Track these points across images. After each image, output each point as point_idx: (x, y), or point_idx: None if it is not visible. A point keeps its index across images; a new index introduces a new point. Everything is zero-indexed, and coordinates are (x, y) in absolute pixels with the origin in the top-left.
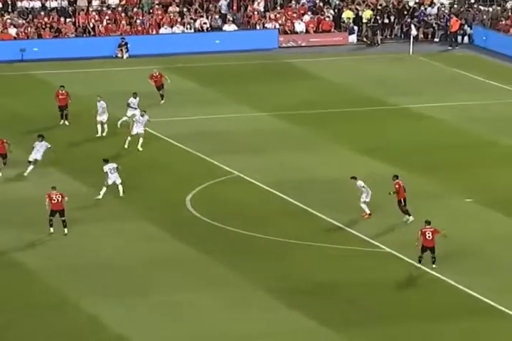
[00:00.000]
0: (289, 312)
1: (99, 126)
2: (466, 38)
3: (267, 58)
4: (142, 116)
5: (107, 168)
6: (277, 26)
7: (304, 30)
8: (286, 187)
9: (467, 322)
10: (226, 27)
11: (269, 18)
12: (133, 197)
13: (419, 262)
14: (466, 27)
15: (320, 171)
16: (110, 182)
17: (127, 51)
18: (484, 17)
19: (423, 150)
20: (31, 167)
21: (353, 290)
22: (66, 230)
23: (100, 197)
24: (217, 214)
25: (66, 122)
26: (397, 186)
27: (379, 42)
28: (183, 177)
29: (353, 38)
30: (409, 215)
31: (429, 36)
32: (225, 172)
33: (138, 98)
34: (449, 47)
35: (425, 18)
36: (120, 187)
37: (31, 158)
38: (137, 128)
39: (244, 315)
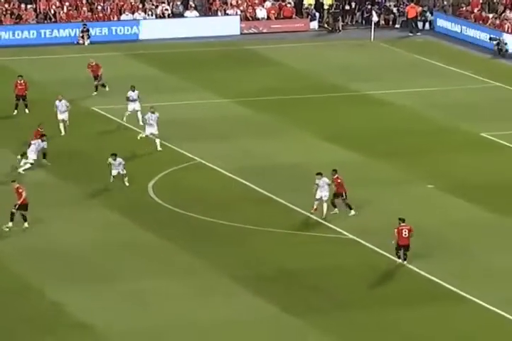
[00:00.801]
0: (253, 299)
1: (61, 125)
2: (427, 25)
3: (228, 45)
4: (153, 113)
5: (114, 161)
6: (239, 13)
7: (266, 17)
8: (248, 173)
9: (429, 308)
10: (188, 13)
11: (231, 4)
12: (95, 184)
13: (399, 257)
14: (427, 13)
15: (283, 157)
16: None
17: (88, 37)
18: (445, 3)
19: (385, 136)
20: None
21: (316, 276)
22: (26, 224)
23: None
24: (180, 201)
25: (26, 110)
26: (338, 181)
27: (340, 28)
28: (146, 163)
29: (314, 25)
30: (351, 209)
31: (390, 22)
32: (188, 158)
33: (136, 91)
34: (410, 34)
35: (386, 5)
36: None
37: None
38: (150, 129)
39: (208, 302)
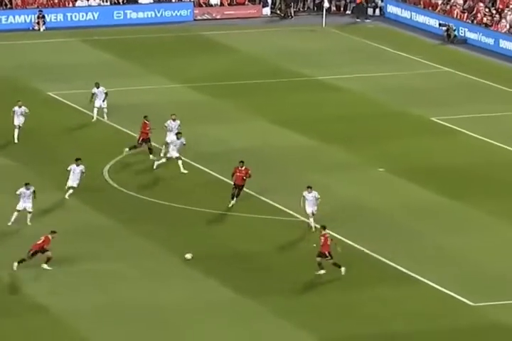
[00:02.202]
0: (207, 281)
1: (16, 131)
2: (377, 11)
3: (182, 31)
4: (178, 138)
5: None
6: None
7: (219, 3)
8: (203, 157)
9: (381, 289)
10: (142, 0)
11: None
12: (50, 169)
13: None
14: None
15: (236, 142)
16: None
17: (44, 24)
18: None
19: (336, 120)
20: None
21: (269, 258)
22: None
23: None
24: (135, 185)
25: None
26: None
27: (292, 14)
28: (102, 148)
29: (266, 11)
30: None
31: (341, 9)
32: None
33: (101, 87)
34: (357, 20)
35: None
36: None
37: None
38: (172, 152)
39: (163, 284)
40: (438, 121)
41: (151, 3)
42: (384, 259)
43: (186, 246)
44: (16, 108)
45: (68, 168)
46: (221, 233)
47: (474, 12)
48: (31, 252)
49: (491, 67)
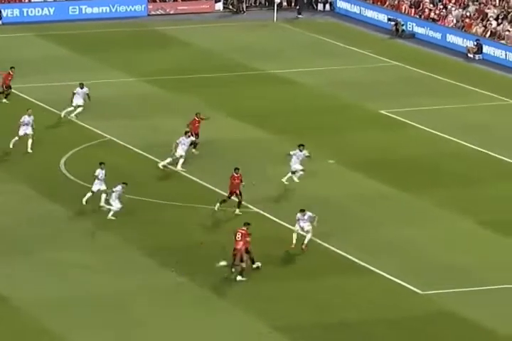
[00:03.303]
0: (162, 270)
1: (29, 141)
2: (327, 6)
3: (136, 26)
4: (188, 136)
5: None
6: None
7: None
8: (157, 150)
9: (333, 279)
10: None
11: None
12: (8, 161)
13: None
14: None
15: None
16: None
17: (0, 19)
18: None
19: (288, 113)
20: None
21: (224, 248)
22: None
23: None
24: (91, 177)
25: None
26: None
27: (244, 9)
28: (57, 140)
29: (219, 6)
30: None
31: (293, 4)
32: (98, 136)
33: (85, 88)
34: (299, 16)
35: None
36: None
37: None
38: (180, 151)
39: (122, 274)
40: (387, 113)
41: None
42: (335, 249)
43: (142, 237)
44: (26, 117)
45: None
46: (176, 224)
47: (421, 7)
48: None
49: (438, 61)
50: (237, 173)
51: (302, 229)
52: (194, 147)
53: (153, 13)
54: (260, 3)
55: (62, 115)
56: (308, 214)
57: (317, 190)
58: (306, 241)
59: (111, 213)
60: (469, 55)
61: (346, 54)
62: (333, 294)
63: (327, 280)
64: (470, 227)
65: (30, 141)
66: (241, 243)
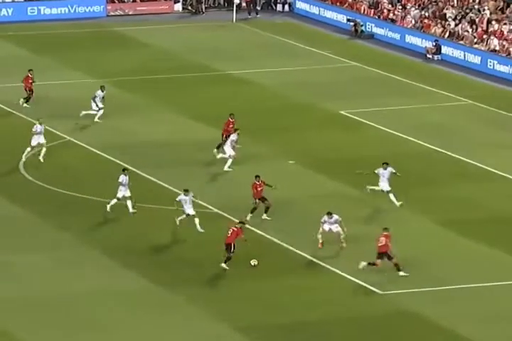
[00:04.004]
0: (123, 271)
1: (43, 150)
2: (286, 6)
3: (96, 26)
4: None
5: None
6: None
7: None
8: (116, 150)
9: (291, 279)
10: None
11: None
12: None
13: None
14: None
15: (149, 135)
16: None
17: None
18: None
19: (247, 114)
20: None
21: (184, 249)
22: None
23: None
24: (50, 178)
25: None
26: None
27: (203, 10)
28: (16, 141)
29: (178, 7)
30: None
31: (252, 4)
32: (57, 136)
33: (105, 91)
34: (249, 16)
35: None
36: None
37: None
38: (229, 150)
39: (78, 274)
40: (346, 114)
41: None
42: (295, 249)
43: (101, 237)
44: (38, 126)
45: None
46: (136, 224)
47: (380, 8)
48: None
49: (397, 62)
50: (258, 181)
51: (331, 230)
52: (217, 148)
53: (112, 13)
54: (219, 3)
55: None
56: (335, 217)
57: (278, 190)
58: (342, 239)
59: (197, 222)
60: (428, 55)
61: (305, 54)
62: (293, 294)
63: (287, 280)
64: (429, 227)
65: (43, 150)
66: (232, 238)
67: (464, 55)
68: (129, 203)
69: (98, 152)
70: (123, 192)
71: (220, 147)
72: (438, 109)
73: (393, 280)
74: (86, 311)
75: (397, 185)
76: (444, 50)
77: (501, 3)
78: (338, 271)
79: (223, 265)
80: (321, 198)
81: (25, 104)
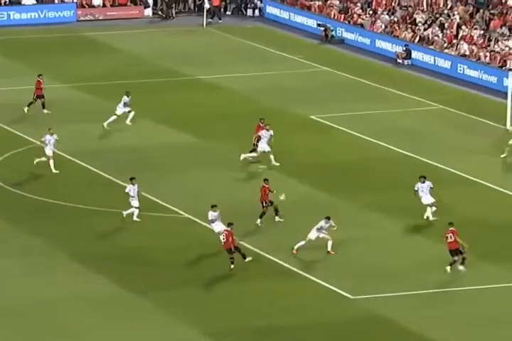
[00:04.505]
0: (95, 277)
1: (51, 162)
2: (256, 11)
3: (65, 31)
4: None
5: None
6: (75, 0)
7: (101, 4)
8: (87, 155)
9: (264, 283)
10: (25, 1)
11: None
12: None
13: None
14: (256, 0)
15: (120, 141)
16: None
17: None
18: None
19: (217, 119)
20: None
21: (155, 254)
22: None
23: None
24: (20, 183)
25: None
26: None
27: (173, 15)
28: None
29: (148, 12)
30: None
31: (222, 9)
32: (27, 142)
33: (130, 96)
34: (210, 20)
35: None
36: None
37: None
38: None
39: (50, 280)
40: (317, 119)
41: (34, 4)
42: (265, 254)
43: (72, 242)
44: (48, 136)
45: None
46: (107, 229)
47: (350, 13)
48: None
49: (367, 67)
50: (266, 184)
51: (318, 238)
52: (251, 152)
53: (82, 18)
54: (190, 8)
55: (105, 125)
56: (331, 222)
57: (248, 195)
58: (330, 246)
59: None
60: (398, 60)
61: (276, 59)
62: (264, 298)
63: (258, 285)
64: (399, 231)
65: (52, 162)
66: (229, 242)
67: (434, 59)
68: (136, 212)
69: (69, 157)
70: (134, 201)
71: (253, 151)
72: (408, 113)
73: (364, 286)
74: (57, 317)
75: (368, 188)
76: (414, 54)
77: (471, 8)
78: (309, 276)
79: (248, 258)
80: (292, 203)
81: (45, 110)
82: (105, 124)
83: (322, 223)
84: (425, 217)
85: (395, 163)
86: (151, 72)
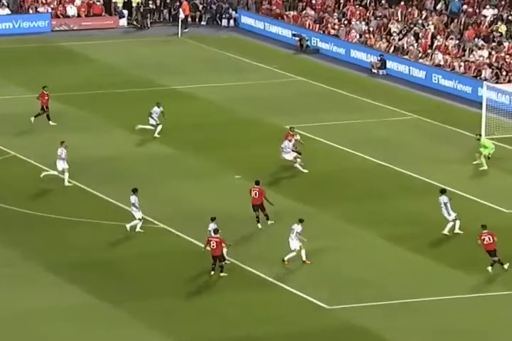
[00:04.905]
0: (70, 287)
1: (66, 175)
2: (231, 21)
3: (40, 42)
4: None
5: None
6: (50, 10)
7: (76, 14)
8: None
9: (240, 294)
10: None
11: (42, 2)
12: None
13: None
14: (230, 10)
15: (95, 151)
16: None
17: None
18: (249, 1)
19: (193, 129)
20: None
21: (130, 264)
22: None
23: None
24: None
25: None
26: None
27: (148, 25)
28: None
29: (123, 22)
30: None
31: (197, 19)
32: (2, 152)
33: (161, 107)
34: (185, 30)
35: (196, 2)
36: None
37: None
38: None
39: (25, 291)
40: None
41: (8, 14)
42: (243, 265)
43: (47, 253)
44: (62, 149)
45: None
46: (82, 240)
47: (325, 23)
48: None
49: (342, 77)
50: (257, 185)
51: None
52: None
53: (57, 28)
54: (164, 18)
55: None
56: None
57: (224, 205)
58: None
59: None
60: (373, 70)
61: (251, 69)
62: (240, 309)
63: (234, 296)
64: (375, 241)
65: (67, 175)
66: (218, 250)
67: (409, 69)
68: (139, 224)
69: (45, 168)
70: (137, 213)
71: (298, 154)
72: (383, 123)
73: (340, 295)
74: (33, 328)
75: (344, 198)
76: (389, 64)
77: (445, 18)
78: (285, 286)
79: (222, 274)
80: (268, 213)
81: (50, 122)
82: (156, 134)
83: (295, 226)
84: (453, 232)
85: (371, 173)
86: (126, 82)
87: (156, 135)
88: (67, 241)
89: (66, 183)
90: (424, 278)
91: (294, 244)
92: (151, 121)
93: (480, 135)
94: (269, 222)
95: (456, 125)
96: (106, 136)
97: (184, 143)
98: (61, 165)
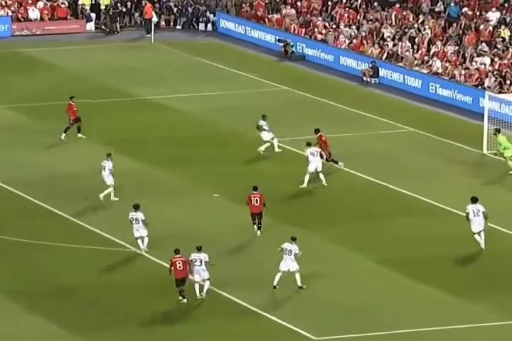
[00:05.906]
0: (29, 316)
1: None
2: (209, 25)
3: None
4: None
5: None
6: (10, 13)
7: (39, 18)
8: (24, 185)
9: (222, 323)
10: None
11: (1, 5)
12: None
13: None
14: (208, 13)
15: (59, 167)
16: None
17: None
18: (228, 3)
19: (165, 143)
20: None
21: (96, 291)
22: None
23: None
24: None
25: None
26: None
27: (118, 30)
28: None
29: (90, 26)
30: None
31: (172, 23)
32: None
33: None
34: (147, 35)
35: (170, 5)
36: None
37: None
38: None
39: None
40: (277, 143)
41: None
42: (221, 292)
43: (6, 278)
44: (106, 162)
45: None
46: (44, 265)
47: (311, 27)
48: None
49: (331, 85)
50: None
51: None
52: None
53: (17, 33)
54: (136, 22)
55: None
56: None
57: (202, 224)
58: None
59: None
60: (364, 78)
61: (230, 78)
62: (222, 338)
63: (211, 324)
64: (367, 266)
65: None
66: (185, 271)
67: (404, 78)
68: (144, 242)
69: (4, 186)
70: (140, 231)
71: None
72: (375, 136)
73: (329, 325)
74: None
75: (333, 219)
76: (382, 72)
77: (442, 22)
78: (270, 316)
79: (184, 300)
80: (247, 233)
81: (79, 134)
82: (262, 148)
83: (288, 245)
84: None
85: (362, 191)
86: (93, 92)
87: (277, 150)
88: (28, 265)
89: (112, 198)
90: (420, 306)
91: (294, 265)
92: (266, 136)
93: (498, 130)
94: (259, 233)
95: (455, 139)
96: (72, 150)
97: (157, 157)
98: (110, 179)
